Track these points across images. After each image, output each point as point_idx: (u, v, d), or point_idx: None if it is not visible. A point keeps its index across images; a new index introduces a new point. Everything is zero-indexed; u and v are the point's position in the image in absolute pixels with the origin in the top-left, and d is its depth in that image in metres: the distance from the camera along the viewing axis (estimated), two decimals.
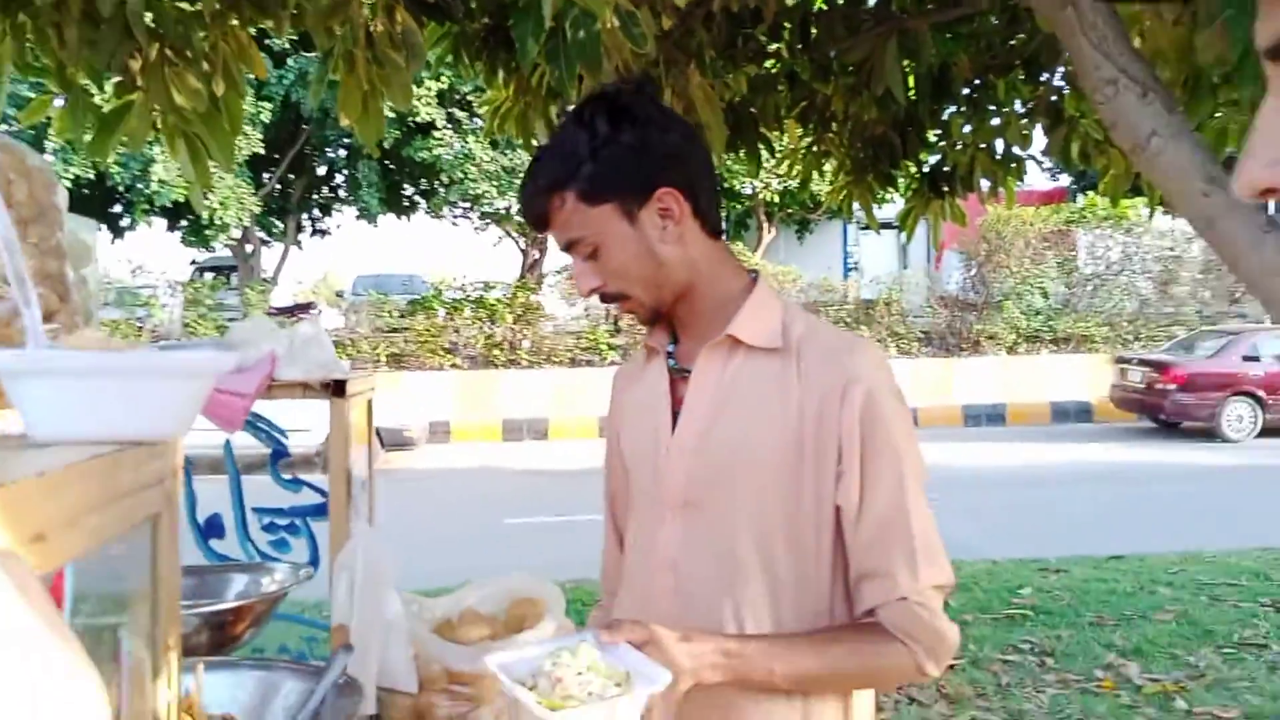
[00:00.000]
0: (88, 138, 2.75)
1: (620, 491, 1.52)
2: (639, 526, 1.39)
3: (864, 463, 1.24)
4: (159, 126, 2.79)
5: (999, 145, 3.85)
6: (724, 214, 20.01)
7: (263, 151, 17.26)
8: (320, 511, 1.75)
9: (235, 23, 2.69)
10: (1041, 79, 3.65)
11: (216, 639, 1.38)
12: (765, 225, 19.36)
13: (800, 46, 3.41)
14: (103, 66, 2.60)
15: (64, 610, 0.62)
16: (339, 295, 21.72)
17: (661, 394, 1.36)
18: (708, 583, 1.29)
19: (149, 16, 2.49)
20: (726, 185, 17.44)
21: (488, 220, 20.12)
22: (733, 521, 1.28)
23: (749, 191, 18.04)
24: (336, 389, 1.41)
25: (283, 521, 1.84)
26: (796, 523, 1.26)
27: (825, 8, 3.41)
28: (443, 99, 16.99)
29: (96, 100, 2.85)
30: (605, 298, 1.33)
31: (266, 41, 12.53)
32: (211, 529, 1.85)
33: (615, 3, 2.19)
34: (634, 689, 1.07)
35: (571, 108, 1.41)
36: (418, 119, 16.82)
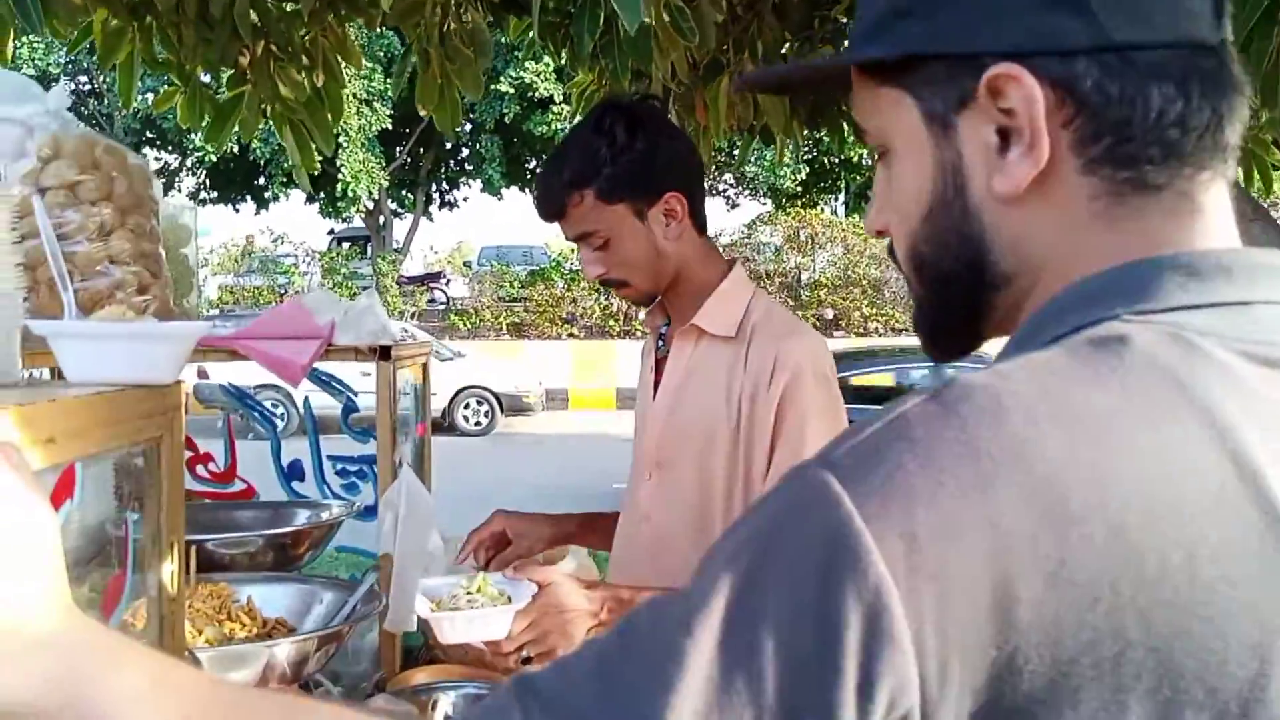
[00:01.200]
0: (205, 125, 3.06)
1: None
2: (629, 481, 1.59)
3: (774, 437, 1.40)
4: (268, 115, 3.08)
5: None
6: (842, 186, 19.66)
7: (390, 127, 17.94)
8: None
9: (331, 20, 2.95)
10: None
11: (280, 558, 1.64)
12: None
13: None
14: (216, 63, 2.89)
15: (74, 496, 0.86)
16: (467, 265, 22.46)
17: (650, 369, 1.57)
18: (672, 532, 1.48)
19: (255, 17, 2.77)
20: (845, 157, 17.29)
21: None
22: (688, 482, 1.46)
23: (868, 163, 17.80)
24: (383, 354, 1.64)
25: (353, 468, 2.11)
26: (733, 486, 1.43)
27: None
28: (560, 74, 17.32)
29: (214, 92, 3.16)
30: (606, 283, 1.53)
31: None
32: (293, 472, 2.14)
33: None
34: (503, 607, 1.34)
35: (590, 110, 1.59)
36: (537, 94, 17.21)
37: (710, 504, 1.44)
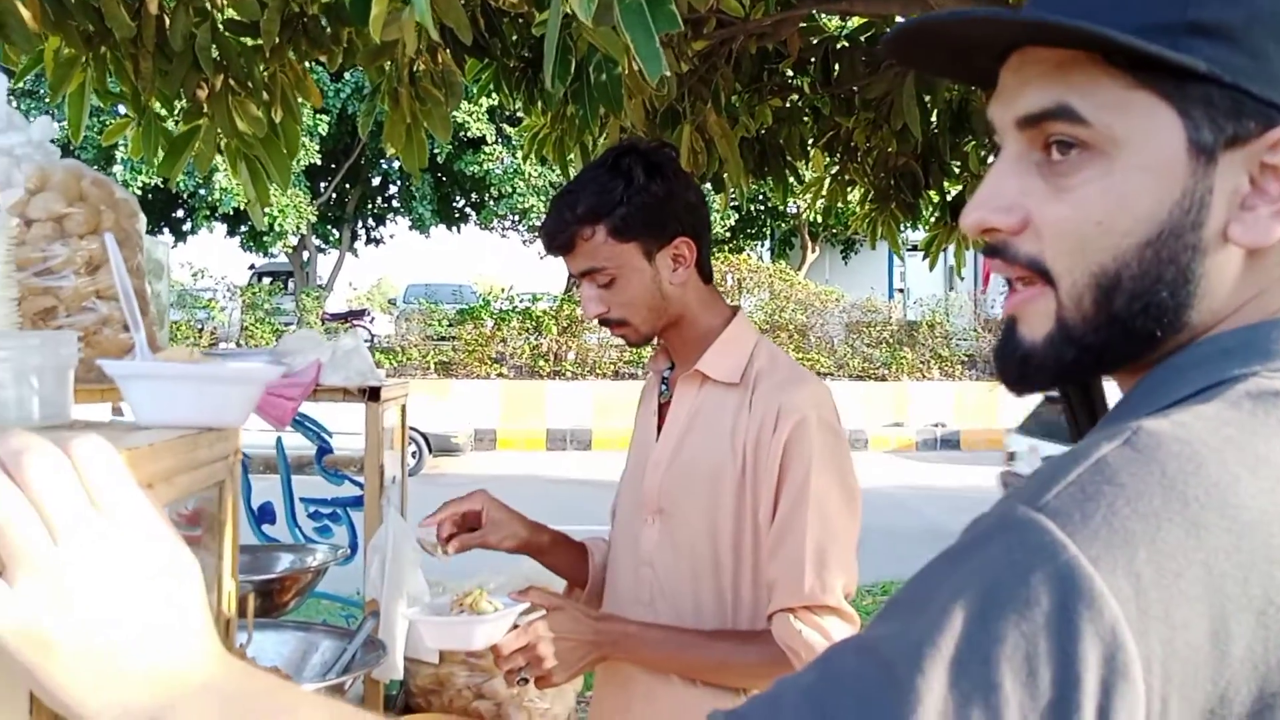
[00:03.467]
0: (158, 158, 3.00)
1: None
2: (624, 526, 1.58)
3: (780, 484, 1.41)
4: (223, 149, 3.03)
5: None
6: (768, 233, 19.92)
7: (319, 162, 17.74)
8: (359, 502, 1.96)
9: (292, 56, 2.93)
10: None
11: (266, 606, 1.60)
12: (810, 245, 19.46)
13: (823, 82, 3.59)
14: (173, 95, 2.85)
15: None
16: (391, 303, 22.16)
17: (652, 412, 1.57)
18: (677, 578, 1.48)
19: (215, 50, 2.74)
20: (771, 205, 17.60)
21: (535, 233, 20.48)
22: (694, 529, 1.46)
23: (793, 211, 18.16)
24: (372, 394, 1.62)
25: (326, 510, 2.06)
26: (741, 533, 1.44)
27: (847, 45, 3.58)
28: (493, 115, 17.36)
29: (167, 125, 3.10)
30: (604, 322, 1.53)
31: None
32: (264, 515, 2.08)
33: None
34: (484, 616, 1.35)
35: (606, 151, 1.58)
36: (469, 134, 17.20)
37: (718, 550, 1.45)
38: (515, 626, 1.37)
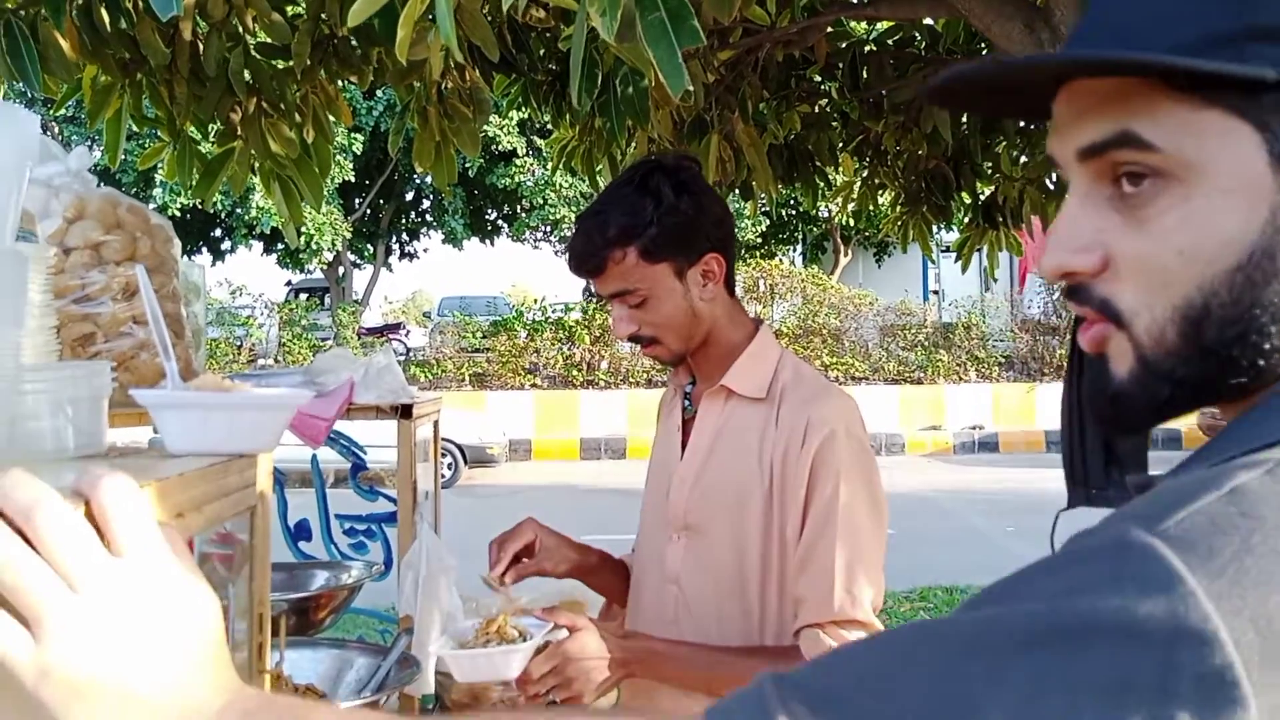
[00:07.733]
0: (193, 180, 3.05)
1: None
2: (650, 541, 1.58)
3: (808, 499, 1.39)
4: (256, 170, 3.07)
5: (1050, 179, 3.95)
6: (800, 238, 19.75)
7: (354, 179, 17.92)
8: (394, 518, 1.98)
9: (323, 77, 2.96)
10: None
11: (302, 623, 1.61)
12: (842, 249, 19.37)
13: (851, 87, 3.58)
14: (207, 118, 2.89)
15: None
16: (426, 316, 22.31)
17: (676, 428, 1.56)
18: (703, 596, 1.47)
19: (248, 73, 2.78)
20: (802, 209, 17.52)
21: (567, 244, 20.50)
22: (722, 546, 1.45)
23: (825, 215, 18.07)
24: (404, 412, 1.63)
25: (361, 527, 2.08)
26: (769, 550, 1.43)
27: (874, 49, 3.56)
28: (523, 128, 17.46)
29: (201, 148, 3.15)
30: (635, 340, 1.51)
31: None
32: (300, 532, 2.11)
33: None
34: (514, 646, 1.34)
35: (631, 168, 1.57)
36: (500, 148, 17.31)
37: (745, 567, 1.44)
38: (543, 646, 1.36)
